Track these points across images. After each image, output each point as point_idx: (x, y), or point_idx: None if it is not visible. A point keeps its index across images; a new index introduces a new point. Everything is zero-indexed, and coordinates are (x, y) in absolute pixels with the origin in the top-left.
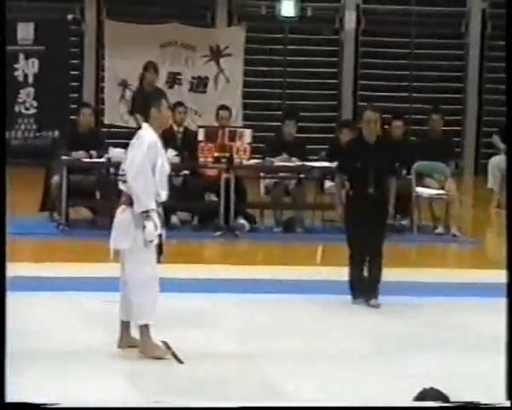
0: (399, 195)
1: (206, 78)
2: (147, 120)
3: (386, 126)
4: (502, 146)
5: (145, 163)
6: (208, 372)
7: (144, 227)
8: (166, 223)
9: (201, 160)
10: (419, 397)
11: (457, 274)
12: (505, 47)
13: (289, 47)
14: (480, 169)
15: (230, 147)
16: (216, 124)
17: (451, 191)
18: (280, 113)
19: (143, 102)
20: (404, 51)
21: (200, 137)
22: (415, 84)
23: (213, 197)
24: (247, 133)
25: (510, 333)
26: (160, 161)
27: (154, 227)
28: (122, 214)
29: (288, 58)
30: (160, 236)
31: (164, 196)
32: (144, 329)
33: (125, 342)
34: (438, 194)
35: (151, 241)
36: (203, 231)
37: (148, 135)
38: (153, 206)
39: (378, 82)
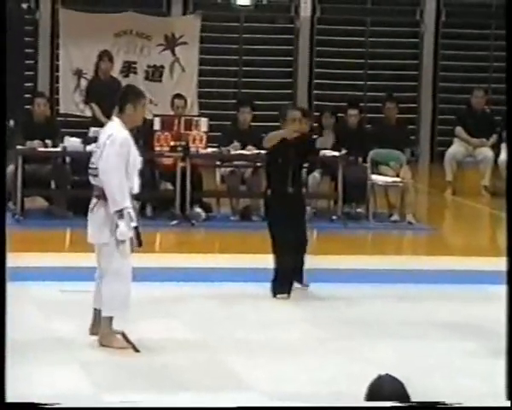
0: (355, 182)
1: (162, 67)
2: (120, 114)
3: (341, 115)
4: (466, 137)
5: (119, 165)
6: (166, 362)
7: (117, 226)
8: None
9: (157, 149)
10: (375, 383)
11: (413, 261)
12: (505, 46)
13: (245, 35)
14: (435, 157)
15: (186, 136)
16: (172, 113)
17: (407, 179)
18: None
19: (121, 95)
20: (359, 39)
21: (156, 126)
22: (370, 72)
23: (169, 186)
24: (203, 122)
25: (510, 333)
26: (132, 157)
27: (126, 227)
28: (97, 209)
29: (243, 47)
30: (137, 227)
31: (136, 187)
32: (107, 320)
33: (98, 329)
34: (393, 181)
35: (123, 241)
36: (159, 219)
37: (118, 133)
38: (127, 203)
39: (333, 70)
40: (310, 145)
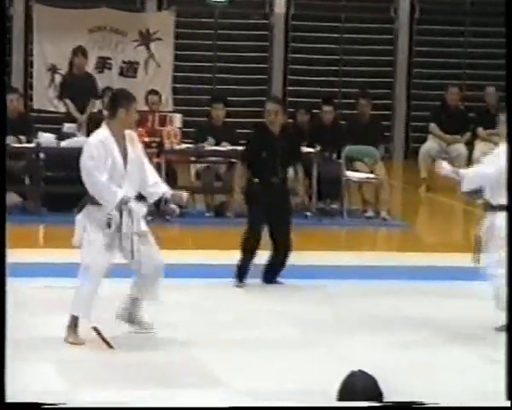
0: (329, 179)
1: (136, 62)
2: (111, 119)
3: (316, 111)
4: (440, 134)
5: (94, 172)
6: (142, 359)
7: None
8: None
9: None
10: (348, 379)
11: (387, 257)
12: (505, 46)
13: (219, 31)
14: (409, 153)
15: (161, 132)
16: (146, 109)
17: (381, 175)
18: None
19: (111, 100)
20: (333, 36)
21: None
22: (344, 68)
23: None
24: (178, 118)
25: (510, 333)
26: (111, 161)
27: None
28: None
29: (218, 43)
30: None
31: (124, 192)
32: (73, 319)
33: (130, 315)
34: (367, 178)
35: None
36: None
37: (92, 138)
38: (119, 194)
39: (308, 66)
40: (296, 140)
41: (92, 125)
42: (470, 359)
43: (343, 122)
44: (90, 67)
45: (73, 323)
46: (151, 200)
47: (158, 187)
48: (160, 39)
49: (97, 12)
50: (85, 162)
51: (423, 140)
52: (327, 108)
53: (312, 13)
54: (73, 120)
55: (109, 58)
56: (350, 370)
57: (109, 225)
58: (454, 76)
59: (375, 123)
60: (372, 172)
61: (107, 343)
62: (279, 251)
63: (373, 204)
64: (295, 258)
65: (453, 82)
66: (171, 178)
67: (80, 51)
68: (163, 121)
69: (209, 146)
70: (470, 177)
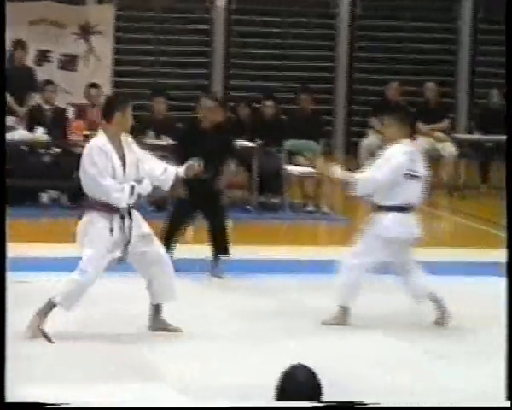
0: (270, 173)
1: (76, 55)
2: (107, 124)
3: (257, 105)
4: (381, 129)
5: (98, 179)
6: (81, 353)
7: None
8: (35, 200)
9: (71, 138)
10: (288, 373)
11: (328, 251)
12: (505, 46)
13: (161, 25)
14: (350, 148)
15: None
16: (86, 102)
17: (321, 169)
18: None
19: (106, 105)
20: (275, 30)
21: (70, 115)
22: (286, 62)
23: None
24: None
25: (510, 333)
26: (111, 166)
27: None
28: (84, 218)
29: (158, 36)
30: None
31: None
32: (50, 306)
33: (154, 323)
34: (308, 172)
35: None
36: (75, 209)
37: (91, 144)
38: (126, 186)
39: (249, 61)
40: (229, 136)
41: (31, 119)
42: (406, 352)
43: (284, 116)
44: (29, 60)
45: (48, 309)
46: (167, 186)
47: (168, 172)
48: (100, 32)
49: (38, 5)
50: (88, 169)
51: (364, 135)
52: (268, 102)
53: (254, 7)
54: (13, 113)
55: (49, 51)
56: (290, 364)
57: (112, 230)
58: (395, 71)
59: (316, 117)
60: (313, 167)
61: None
62: (215, 246)
63: (314, 198)
64: (236, 251)
65: (393, 77)
66: None
67: (20, 45)
68: None
69: (149, 140)
70: (363, 182)
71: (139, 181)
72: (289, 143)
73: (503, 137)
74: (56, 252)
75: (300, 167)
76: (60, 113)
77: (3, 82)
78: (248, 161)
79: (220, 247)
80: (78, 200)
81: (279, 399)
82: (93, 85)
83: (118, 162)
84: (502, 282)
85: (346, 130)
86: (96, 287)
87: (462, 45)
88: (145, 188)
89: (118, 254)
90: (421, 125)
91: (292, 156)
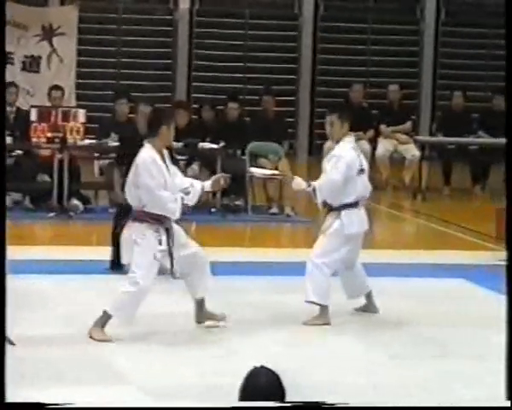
0: (233, 175)
1: (39, 57)
2: (153, 137)
3: (220, 107)
4: None
5: (156, 191)
6: (43, 356)
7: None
8: None
9: (34, 140)
10: (251, 375)
11: (291, 253)
12: (505, 46)
13: (123, 27)
14: (313, 149)
15: (64, 127)
16: (49, 104)
17: (285, 171)
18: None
19: (154, 118)
20: (238, 32)
21: (33, 117)
22: (249, 65)
23: (47, 178)
24: (81, 113)
25: (510, 333)
26: (164, 178)
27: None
28: (127, 231)
29: (122, 38)
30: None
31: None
32: (106, 318)
33: (200, 316)
34: (272, 174)
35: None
36: (36, 211)
37: (144, 157)
38: (178, 198)
39: (213, 63)
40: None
41: None
42: (367, 353)
43: (248, 118)
44: None
45: (104, 321)
46: (193, 200)
47: (195, 187)
48: (63, 34)
49: None
50: (147, 182)
51: (327, 137)
52: (232, 104)
53: (217, 8)
54: None
55: (11, 53)
56: (252, 366)
57: (160, 242)
58: (357, 73)
59: (279, 119)
60: (276, 169)
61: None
62: None
63: (277, 201)
64: None
65: (356, 79)
66: (73, 174)
67: None
68: (66, 117)
69: (112, 142)
70: (322, 188)
71: (187, 193)
72: (253, 145)
73: (465, 140)
74: (20, 254)
75: (264, 170)
76: (22, 115)
77: (3, 85)
78: (212, 163)
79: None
80: (40, 202)
81: (241, 401)
82: (56, 87)
83: (167, 175)
84: (463, 283)
85: (309, 132)
86: (56, 289)
87: (424, 47)
88: (191, 199)
89: (166, 263)
90: (384, 128)
91: (255, 158)
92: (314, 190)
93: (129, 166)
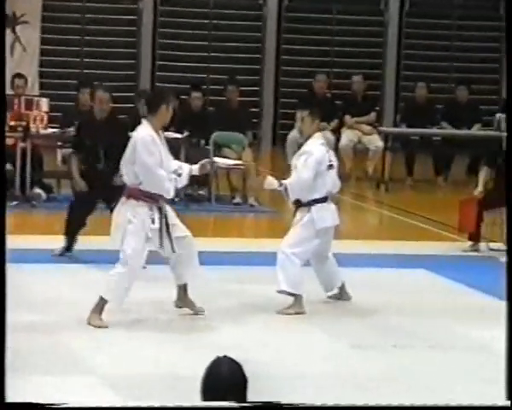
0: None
1: None
2: (151, 115)
3: (184, 97)
4: None
5: (155, 168)
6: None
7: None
8: None
9: None
10: (213, 365)
11: (254, 243)
12: (506, 46)
13: (87, 15)
14: (277, 140)
15: (27, 116)
16: (12, 92)
17: (248, 161)
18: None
19: (154, 96)
20: (202, 21)
21: None
22: (213, 54)
23: (9, 166)
24: (44, 102)
25: (510, 333)
26: (160, 157)
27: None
28: (121, 207)
29: (85, 27)
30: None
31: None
32: (102, 302)
33: (182, 302)
34: (235, 164)
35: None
36: None
37: (142, 134)
38: (174, 182)
39: (177, 52)
40: (123, 125)
41: None
42: (331, 344)
43: (211, 108)
44: None
45: (100, 306)
46: (181, 183)
47: (183, 169)
48: (26, 22)
49: None
50: (145, 159)
51: (291, 127)
52: (195, 94)
53: None
54: None
55: None
56: (215, 355)
57: (153, 221)
58: (321, 64)
59: (243, 109)
60: (240, 159)
61: None
62: None
63: (241, 191)
64: None
65: (321, 70)
66: (36, 163)
67: None
68: (29, 105)
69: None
70: (293, 187)
71: (179, 174)
72: (216, 135)
73: (429, 131)
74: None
75: (227, 159)
76: None
77: (3, 81)
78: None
79: None
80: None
81: (204, 391)
82: (19, 76)
83: (163, 153)
84: (425, 274)
85: (273, 122)
86: (19, 278)
87: (388, 38)
88: (181, 181)
89: (156, 243)
90: (347, 118)
91: (219, 148)
92: (286, 189)
93: (86, 152)
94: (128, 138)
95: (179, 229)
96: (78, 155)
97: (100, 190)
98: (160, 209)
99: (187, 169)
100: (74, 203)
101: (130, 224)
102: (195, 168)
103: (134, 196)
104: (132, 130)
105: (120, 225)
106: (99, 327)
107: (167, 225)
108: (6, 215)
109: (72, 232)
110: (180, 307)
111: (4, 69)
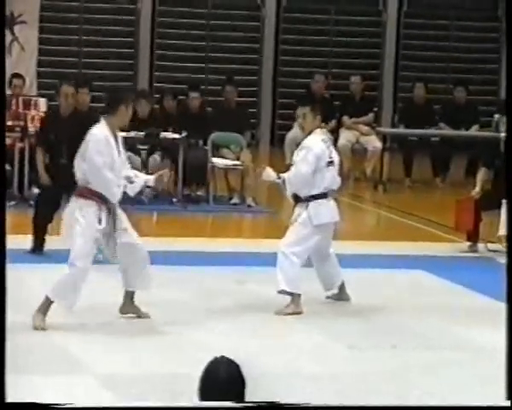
0: (195, 165)
1: None
2: (110, 115)
3: (182, 97)
4: None
5: (103, 169)
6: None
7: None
8: None
9: None
10: (211, 366)
11: (252, 244)
12: (506, 46)
13: (85, 15)
14: (275, 140)
15: (25, 115)
16: (10, 92)
17: (246, 162)
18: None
19: (113, 96)
20: (200, 21)
21: None
22: (211, 55)
23: (7, 166)
24: (42, 102)
25: (510, 332)
26: (110, 157)
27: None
28: (71, 206)
29: (84, 27)
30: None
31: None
32: (48, 303)
33: (127, 309)
34: (233, 164)
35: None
36: None
37: (96, 133)
38: (121, 188)
39: (175, 52)
40: (88, 121)
41: None
42: (330, 344)
43: (210, 109)
44: None
45: (46, 306)
46: (134, 191)
47: (138, 179)
48: (24, 22)
49: None
50: (94, 157)
51: (289, 127)
52: (193, 94)
53: None
54: None
55: None
56: (212, 355)
57: (100, 221)
58: (320, 64)
59: (241, 110)
60: (238, 159)
61: None
62: None
63: (238, 191)
64: (160, 244)
65: (319, 70)
66: (34, 163)
67: None
68: (27, 105)
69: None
70: (291, 180)
71: (131, 182)
72: (214, 136)
73: (427, 131)
74: None
75: (225, 160)
76: None
77: (3, 81)
78: (174, 153)
79: None
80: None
81: (202, 391)
82: (17, 76)
83: (116, 156)
84: (423, 274)
85: (271, 122)
86: (15, 279)
87: (386, 39)
88: (133, 189)
89: (102, 243)
90: (346, 119)
91: (217, 149)
92: (284, 182)
93: (49, 146)
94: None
95: (129, 235)
96: (42, 148)
97: (62, 184)
98: (109, 210)
99: (142, 178)
100: (39, 199)
101: (77, 223)
102: (151, 180)
103: (83, 194)
104: None
105: (68, 225)
106: (39, 329)
107: (114, 227)
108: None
109: (39, 230)
110: (125, 314)
111: (4, 69)
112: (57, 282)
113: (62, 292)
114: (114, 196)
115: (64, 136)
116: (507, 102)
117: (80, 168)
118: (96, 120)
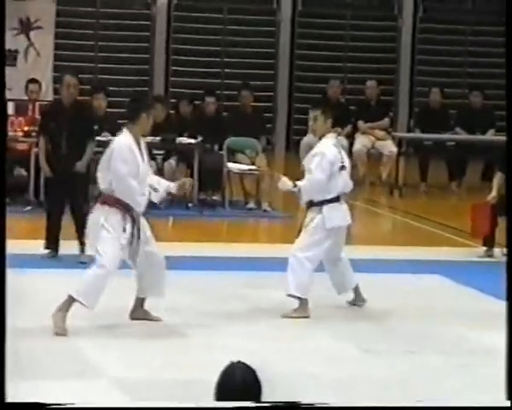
0: (211, 170)
1: (16, 51)
2: (132, 124)
3: (198, 102)
4: None
5: (128, 178)
6: (17, 349)
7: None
8: None
9: (11, 134)
10: (227, 370)
11: (268, 249)
12: (506, 45)
13: (101, 21)
14: (291, 145)
15: None
16: (26, 98)
17: (262, 167)
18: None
19: (134, 104)
20: (216, 27)
21: (10, 110)
22: (227, 59)
23: (23, 172)
24: None
25: (510, 332)
26: (135, 166)
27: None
28: (95, 213)
29: (99, 32)
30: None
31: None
32: (71, 302)
33: (138, 314)
34: (249, 169)
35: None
36: (12, 206)
37: (120, 142)
38: (146, 197)
39: (190, 57)
40: (88, 113)
41: None
42: (343, 348)
43: (225, 114)
44: None
45: (67, 306)
46: (157, 198)
47: (161, 186)
48: (40, 28)
49: None
50: (119, 167)
51: (304, 132)
52: (209, 99)
53: (194, 3)
54: None
55: None
56: (228, 360)
57: (125, 230)
58: (335, 69)
59: (257, 115)
60: (253, 164)
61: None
62: (76, 230)
63: (254, 196)
64: (176, 249)
65: (334, 75)
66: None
67: None
68: None
69: None
70: (307, 188)
71: (154, 189)
72: (230, 141)
73: (443, 136)
74: None
75: (241, 165)
76: None
77: (3, 82)
78: (189, 158)
79: (77, 233)
80: (16, 196)
81: (218, 396)
82: (33, 81)
83: (140, 163)
84: (439, 279)
85: (286, 127)
86: (34, 283)
87: (402, 43)
88: (157, 197)
89: (125, 252)
90: (361, 124)
91: (233, 153)
92: (300, 190)
93: (50, 136)
94: (92, 127)
95: (152, 245)
96: (44, 138)
97: (61, 175)
98: (133, 219)
99: (164, 185)
100: (46, 198)
101: (103, 229)
102: (173, 187)
103: (108, 202)
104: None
105: (94, 231)
106: (59, 328)
107: (138, 236)
108: (19, 220)
109: (51, 227)
110: (135, 319)
111: (4, 69)
112: (82, 282)
113: (87, 292)
114: (139, 204)
115: (64, 125)
116: (507, 101)
117: (105, 178)
118: (95, 114)
